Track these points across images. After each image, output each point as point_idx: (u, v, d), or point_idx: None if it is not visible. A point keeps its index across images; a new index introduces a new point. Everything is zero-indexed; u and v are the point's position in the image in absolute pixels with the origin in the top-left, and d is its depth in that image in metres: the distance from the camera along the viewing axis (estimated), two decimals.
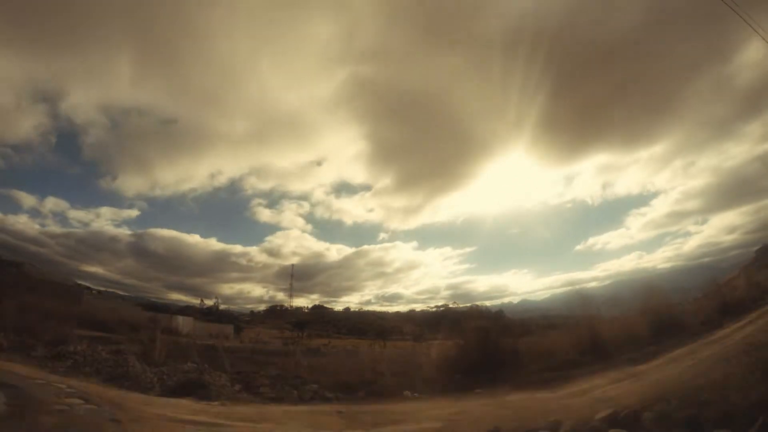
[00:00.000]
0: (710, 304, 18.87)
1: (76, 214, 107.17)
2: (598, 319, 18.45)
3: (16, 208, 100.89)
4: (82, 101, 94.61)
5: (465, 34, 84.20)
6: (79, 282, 50.12)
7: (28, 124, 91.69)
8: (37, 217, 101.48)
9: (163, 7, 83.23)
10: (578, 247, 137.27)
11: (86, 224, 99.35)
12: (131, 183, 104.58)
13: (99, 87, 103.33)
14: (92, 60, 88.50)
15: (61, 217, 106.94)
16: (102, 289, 58.66)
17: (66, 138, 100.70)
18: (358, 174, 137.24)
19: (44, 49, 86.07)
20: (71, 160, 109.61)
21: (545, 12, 74.85)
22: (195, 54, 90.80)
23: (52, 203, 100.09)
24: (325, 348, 30.88)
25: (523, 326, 23.52)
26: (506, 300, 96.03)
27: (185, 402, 10.55)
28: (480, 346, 16.52)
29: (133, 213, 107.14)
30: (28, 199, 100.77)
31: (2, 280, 27.25)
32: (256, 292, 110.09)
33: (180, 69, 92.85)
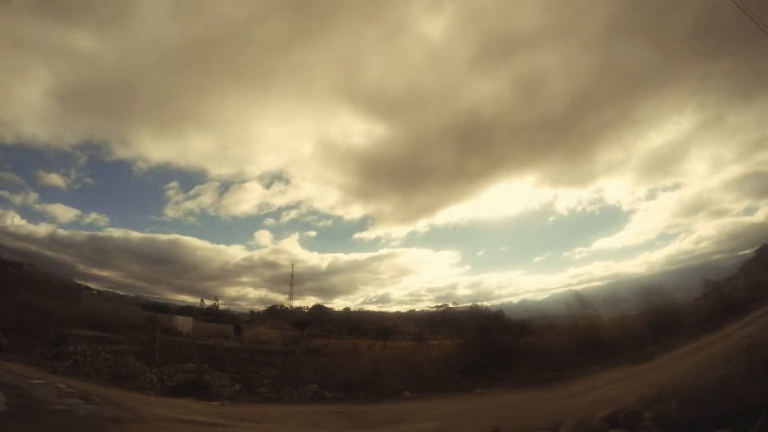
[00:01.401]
0: (710, 304, 18.85)
1: (113, 231, 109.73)
2: (597, 320, 18.46)
3: (41, 217, 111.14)
4: (150, 160, 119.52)
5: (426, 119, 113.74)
6: (79, 282, 49.96)
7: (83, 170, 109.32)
8: (71, 228, 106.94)
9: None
10: (539, 259, 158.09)
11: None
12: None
13: (140, 146, 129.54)
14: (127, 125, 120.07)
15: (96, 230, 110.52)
16: (102, 289, 58.57)
17: (111, 183, 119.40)
18: (346, 201, 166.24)
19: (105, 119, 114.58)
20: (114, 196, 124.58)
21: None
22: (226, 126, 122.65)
23: (92, 218, 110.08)
24: (325, 348, 30.78)
25: (522, 326, 23.45)
26: (505, 300, 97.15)
27: (185, 402, 10.56)
28: (480, 346, 16.52)
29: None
30: (68, 213, 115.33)
31: (2, 280, 27.16)
32: (257, 294, 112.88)
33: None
